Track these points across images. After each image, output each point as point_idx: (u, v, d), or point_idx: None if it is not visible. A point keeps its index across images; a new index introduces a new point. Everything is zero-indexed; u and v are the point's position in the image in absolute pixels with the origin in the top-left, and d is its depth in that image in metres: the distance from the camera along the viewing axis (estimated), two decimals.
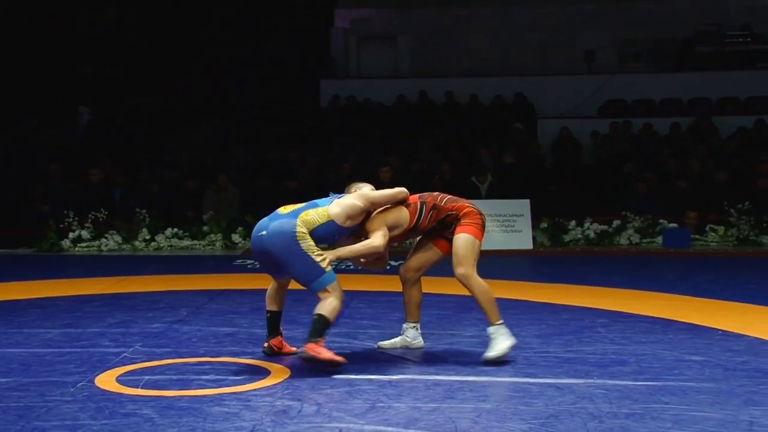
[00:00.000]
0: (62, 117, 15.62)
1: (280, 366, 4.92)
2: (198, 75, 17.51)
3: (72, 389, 4.45)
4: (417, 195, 5.18)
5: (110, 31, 17.38)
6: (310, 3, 18.22)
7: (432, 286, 7.39)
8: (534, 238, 11.14)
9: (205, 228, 11.44)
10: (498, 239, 10.67)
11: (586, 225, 11.32)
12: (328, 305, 4.78)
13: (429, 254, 5.25)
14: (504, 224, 10.95)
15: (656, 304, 6.98)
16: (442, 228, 5.15)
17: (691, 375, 4.74)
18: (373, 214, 5.04)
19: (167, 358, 5.12)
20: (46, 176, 12.47)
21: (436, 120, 15.48)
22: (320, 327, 4.77)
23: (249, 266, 9.58)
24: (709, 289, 7.70)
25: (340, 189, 5.33)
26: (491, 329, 4.99)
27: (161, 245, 11.23)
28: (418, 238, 5.34)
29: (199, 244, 11.32)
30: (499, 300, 6.71)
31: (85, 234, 11.17)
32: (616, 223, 11.33)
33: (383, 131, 15.14)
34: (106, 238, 11.21)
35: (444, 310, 6.56)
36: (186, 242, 11.33)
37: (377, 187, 5.28)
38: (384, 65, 18.52)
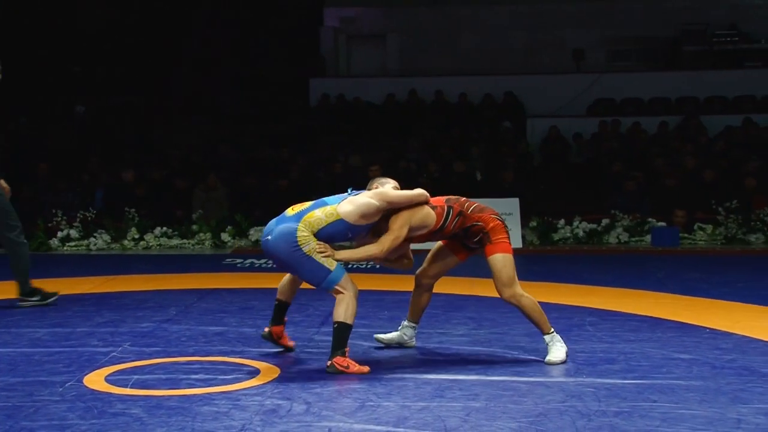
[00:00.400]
0: (52, 116, 15.56)
1: (269, 365, 4.92)
2: (188, 74, 17.46)
3: (60, 389, 4.44)
4: (443, 198, 5.12)
5: (99, 30, 17.32)
6: (300, 2, 18.20)
7: None
8: (523, 237, 11.17)
9: (194, 227, 11.43)
10: None
11: (576, 224, 11.36)
12: (342, 309, 4.74)
13: (447, 262, 5.25)
14: None
15: (645, 302, 7.00)
16: (465, 236, 5.11)
17: (679, 373, 4.76)
18: (401, 211, 4.93)
19: (156, 358, 5.11)
20: (35, 175, 12.43)
21: (426, 119, 15.50)
22: (342, 336, 4.74)
23: (238, 265, 9.57)
24: (697, 288, 7.73)
25: (332, 189, 5.29)
26: (546, 338, 5.02)
27: (150, 244, 11.21)
28: (436, 242, 5.29)
29: (189, 243, 11.30)
30: (488, 299, 6.74)
31: (73, 233, 11.14)
32: (605, 221, 11.36)
33: (372, 130, 15.14)
34: (94, 237, 11.18)
35: (434, 309, 6.54)
36: (175, 241, 11.31)
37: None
38: (373, 64, 18.51)
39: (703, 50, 17.07)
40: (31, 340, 5.59)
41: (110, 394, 4.35)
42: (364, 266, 9.16)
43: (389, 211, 4.92)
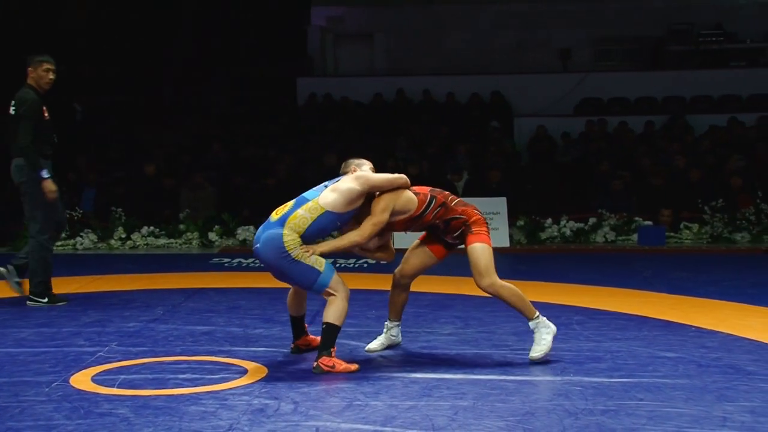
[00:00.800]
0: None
1: (257, 365, 4.91)
2: (175, 73, 17.41)
3: (46, 389, 4.42)
4: (428, 188, 5.09)
5: (84, 29, 17.24)
6: (287, 1, 18.17)
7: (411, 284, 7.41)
8: (511, 236, 11.18)
9: (181, 226, 11.40)
10: None
11: (563, 223, 11.39)
12: (332, 310, 4.73)
13: (424, 260, 5.19)
14: None
15: (631, 301, 7.03)
16: (444, 230, 5.07)
17: (665, 371, 4.78)
18: (383, 195, 4.86)
19: (143, 357, 5.09)
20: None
21: (413, 118, 15.51)
22: (329, 337, 4.73)
23: (226, 264, 9.55)
24: (683, 286, 7.77)
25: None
26: (531, 324, 4.98)
27: (137, 244, 11.18)
28: (414, 242, 5.26)
29: (176, 243, 11.27)
30: (475, 298, 6.75)
31: None
32: (592, 220, 11.40)
33: (360, 129, 15.14)
34: (81, 236, 11.14)
35: (420, 308, 6.57)
36: (162, 241, 11.28)
37: None
38: (361, 63, 18.50)
39: (688, 50, 17.16)
40: (17, 340, 5.56)
41: (97, 394, 4.34)
42: (351, 265, 9.17)
43: (371, 194, 4.87)
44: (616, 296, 7.29)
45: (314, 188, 4.90)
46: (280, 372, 4.77)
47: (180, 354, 5.19)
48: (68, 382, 4.54)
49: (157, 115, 15.92)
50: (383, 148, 14.02)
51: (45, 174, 6.66)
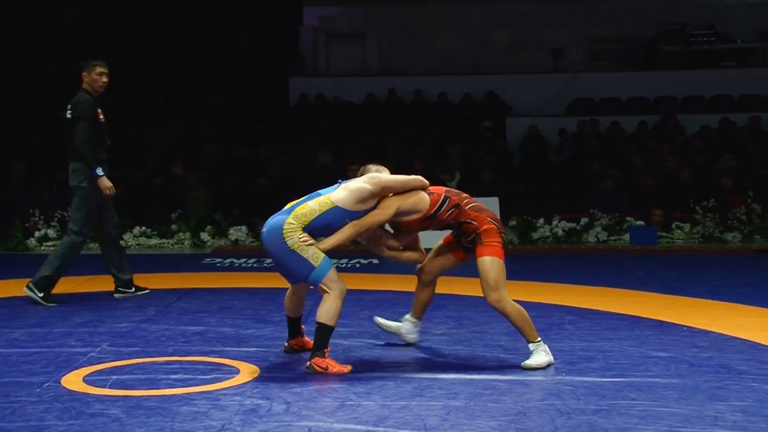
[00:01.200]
0: (29, 114, 15.42)
1: (249, 365, 4.90)
2: (166, 72, 17.37)
3: (38, 389, 4.41)
4: (444, 188, 5.10)
5: (76, 28, 17.19)
6: (279, 1, 18.15)
7: (402, 284, 7.42)
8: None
9: (173, 226, 11.37)
10: None
11: (555, 223, 11.39)
12: (325, 309, 4.72)
13: (446, 260, 5.22)
14: None
15: (623, 300, 7.04)
16: (459, 233, 5.09)
17: (657, 371, 4.79)
18: (392, 195, 4.88)
19: (135, 358, 5.08)
20: (10, 175, 12.32)
21: (406, 118, 15.51)
22: (322, 338, 4.73)
23: (218, 265, 9.53)
24: (675, 286, 7.78)
25: (313, 186, 5.24)
26: (531, 346, 4.90)
27: (129, 244, 11.14)
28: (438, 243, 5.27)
29: (168, 243, 11.25)
30: (467, 298, 6.76)
31: (51, 233, 11.04)
32: (584, 220, 11.41)
33: (352, 129, 15.14)
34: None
35: None
36: (154, 241, 11.24)
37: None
38: (353, 63, 18.50)
39: (680, 50, 17.19)
40: (8, 341, 5.55)
41: (88, 394, 4.33)
42: (344, 265, 9.14)
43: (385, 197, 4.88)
44: (608, 296, 7.30)
45: (332, 186, 4.93)
46: (272, 372, 4.77)
47: (172, 354, 5.18)
48: (60, 383, 4.53)
49: (149, 115, 15.87)
50: (375, 148, 14.02)
51: (100, 172, 6.81)
